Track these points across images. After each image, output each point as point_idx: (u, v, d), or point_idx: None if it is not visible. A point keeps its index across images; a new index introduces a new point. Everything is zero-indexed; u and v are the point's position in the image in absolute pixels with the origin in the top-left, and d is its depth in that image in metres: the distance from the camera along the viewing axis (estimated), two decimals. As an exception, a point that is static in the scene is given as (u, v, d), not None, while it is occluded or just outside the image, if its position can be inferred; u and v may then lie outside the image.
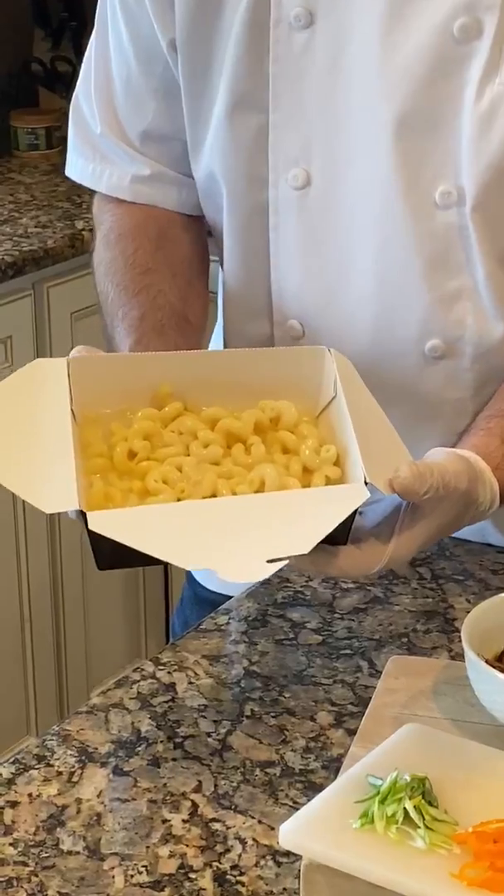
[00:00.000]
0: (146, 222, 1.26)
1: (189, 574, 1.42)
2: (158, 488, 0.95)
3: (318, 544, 0.89)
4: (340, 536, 0.93)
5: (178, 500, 0.94)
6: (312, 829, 0.85)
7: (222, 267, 1.28)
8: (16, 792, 0.94)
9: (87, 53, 1.28)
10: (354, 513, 0.92)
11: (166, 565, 0.93)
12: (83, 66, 1.28)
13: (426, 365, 1.16)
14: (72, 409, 0.97)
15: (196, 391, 1.01)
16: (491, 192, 1.10)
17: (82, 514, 0.90)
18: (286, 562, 0.88)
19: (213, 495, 0.95)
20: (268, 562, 0.88)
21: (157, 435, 0.99)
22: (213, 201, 1.22)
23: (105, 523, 0.89)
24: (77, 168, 1.30)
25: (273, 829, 0.89)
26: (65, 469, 0.91)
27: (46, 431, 0.94)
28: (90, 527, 0.88)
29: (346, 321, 1.18)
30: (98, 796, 0.94)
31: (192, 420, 1.00)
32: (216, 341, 1.33)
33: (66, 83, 2.63)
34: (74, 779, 0.95)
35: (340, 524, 0.91)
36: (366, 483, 0.93)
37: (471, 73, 1.08)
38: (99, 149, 1.27)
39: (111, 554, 0.91)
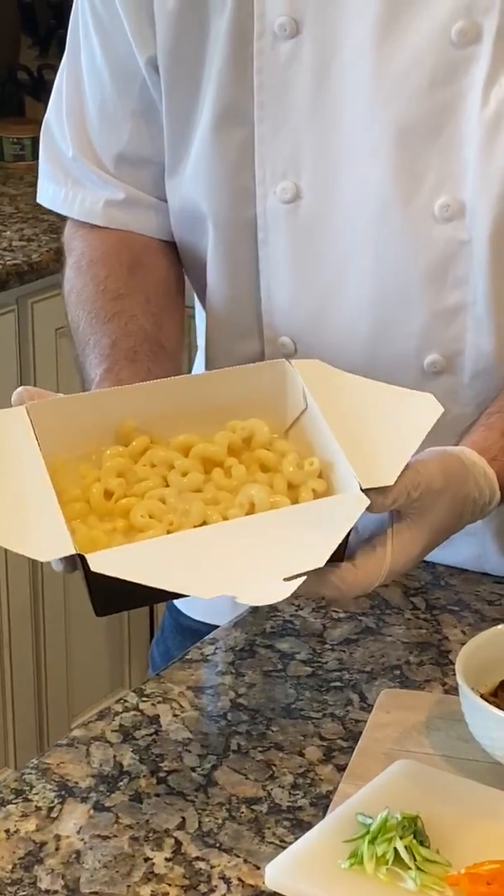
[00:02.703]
0: (119, 247, 1.23)
1: (170, 602, 1.40)
2: (146, 524, 0.93)
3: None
4: (338, 552, 0.91)
5: (169, 532, 0.92)
6: (300, 868, 0.83)
7: (198, 292, 1.26)
8: (-8, 827, 0.91)
9: (58, 74, 1.25)
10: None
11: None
12: (54, 87, 1.26)
13: (425, 380, 1.14)
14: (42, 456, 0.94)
15: (160, 422, 0.99)
16: (500, 202, 1.07)
17: (80, 558, 0.87)
18: (304, 578, 0.87)
19: (204, 523, 0.92)
20: (285, 580, 0.86)
21: (130, 471, 0.96)
22: (195, 221, 1.19)
23: (108, 563, 0.86)
24: (48, 194, 1.27)
25: (259, 868, 0.86)
26: (50, 516, 0.89)
27: (22, 481, 0.91)
28: (93, 568, 0.86)
29: (340, 336, 1.15)
30: (78, 833, 0.91)
31: (163, 450, 0.98)
32: (200, 362, 1.30)
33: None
34: (53, 814, 0.92)
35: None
36: (363, 490, 0.91)
37: (473, 77, 1.07)
38: (71, 173, 1.24)
39: (111, 596, 0.89)
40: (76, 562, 0.88)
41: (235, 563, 0.88)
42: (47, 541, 0.87)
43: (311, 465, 0.97)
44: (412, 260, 1.11)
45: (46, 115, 1.26)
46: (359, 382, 1.01)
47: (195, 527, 0.91)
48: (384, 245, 1.11)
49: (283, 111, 1.11)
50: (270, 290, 1.17)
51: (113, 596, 0.89)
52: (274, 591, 0.86)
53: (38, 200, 1.28)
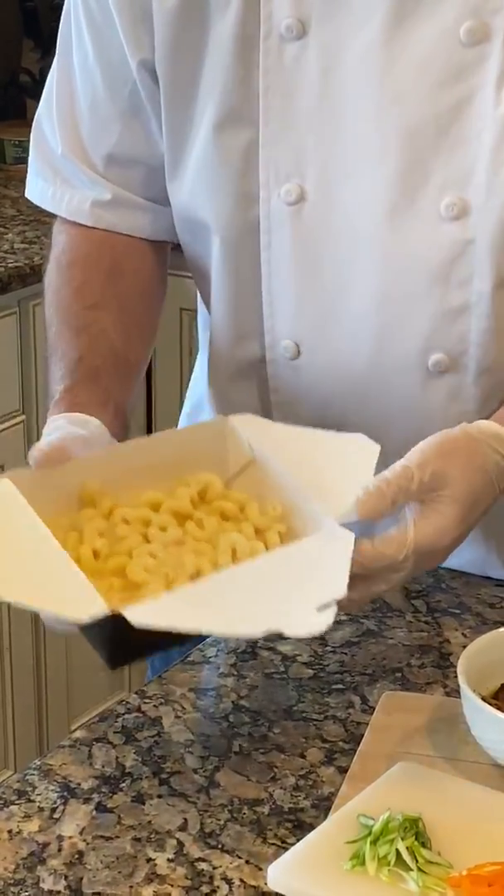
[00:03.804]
0: (101, 251, 1.23)
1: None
2: (145, 578, 0.94)
3: None
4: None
5: (168, 585, 0.93)
6: (301, 870, 0.83)
7: (202, 293, 1.26)
8: (-5, 828, 0.91)
9: (50, 72, 1.25)
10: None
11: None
12: (46, 85, 1.26)
13: (429, 380, 1.14)
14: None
15: (114, 484, 1.00)
16: None
17: (111, 616, 0.87)
18: (335, 607, 0.89)
19: (198, 572, 0.94)
20: (318, 610, 0.88)
21: (110, 531, 0.98)
22: (196, 224, 1.19)
23: (148, 616, 0.87)
24: (37, 190, 1.27)
25: (261, 869, 0.87)
26: (70, 576, 0.90)
27: (25, 543, 0.93)
28: (135, 623, 0.86)
29: (345, 338, 1.15)
30: (80, 833, 0.91)
31: (134, 509, 0.99)
32: (202, 363, 1.30)
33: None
34: (56, 815, 0.92)
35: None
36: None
37: (484, 76, 1.07)
38: (60, 172, 1.24)
39: (130, 648, 0.91)
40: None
41: (264, 601, 0.90)
42: (76, 600, 0.88)
43: (275, 510, 1.00)
44: (417, 260, 1.11)
45: (38, 112, 1.26)
46: (294, 432, 1.06)
47: (191, 577, 0.93)
48: (389, 246, 1.11)
49: (289, 113, 1.11)
50: (273, 293, 1.17)
51: (131, 646, 0.91)
52: (315, 622, 0.88)
53: (27, 195, 1.28)
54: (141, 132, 1.20)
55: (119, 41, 1.16)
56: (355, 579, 0.92)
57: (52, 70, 1.25)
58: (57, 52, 1.24)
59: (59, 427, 1.05)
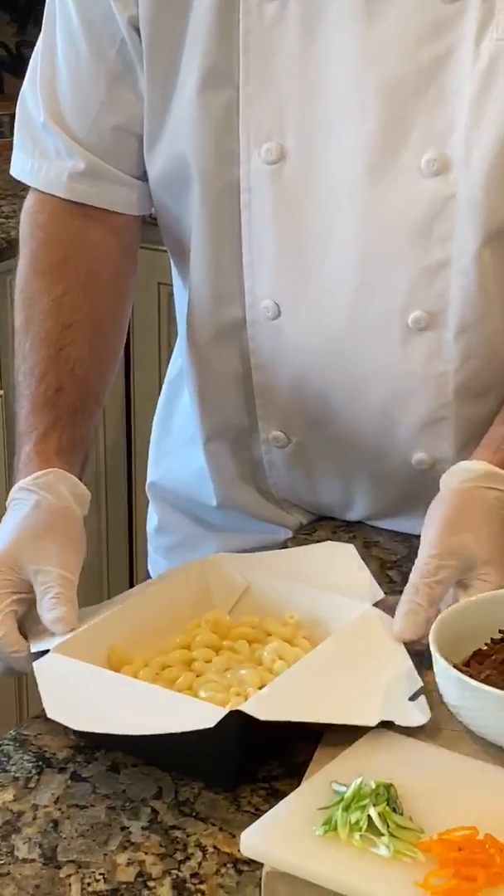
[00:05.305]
0: (77, 255, 1.21)
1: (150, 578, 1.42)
2: (224, 698, 0.95)
3: None
4: None
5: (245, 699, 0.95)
6: (274, 836, 0.83)
7: (178, 262, 1.26)
8: (-30, 797, 0.92)
9: (35, 47, 1.24)
10: None
11: None
12: (31, 60, 1.25)
13: (409, 338, 1.15)
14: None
15: (133, 643, 1.03)
16: (490, 155, 1.08)
17: (235, 715, 0.89)
18: (422, 693, 0.95)
19: (263, 684, 0.96)
20: (410, 699, 0.94)
21: (161, 677, 1.00)
22: (178, 186, 1.19)
23: (268, 710, 0.90)
24: (18, 164, 1.26)
25: (234, 836, 0.87)
26: (179, 699, 0.93)
27: (123, 688, 0.96)
28: (260, 717, 0.88)
29: (325, 296, 1.16)
30: (55, 802, 0.91)
31: (170, 654, 1.02)
32: (182, 335, 1.30)
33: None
34: (31, 784, 0.93)
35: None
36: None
37: (462, 32, 1.07)
38: (39, 142, 1.23)
39: (250, 752, 0.93)
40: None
41: (364, 695, 0.94)
42: (195, 714, 0.89)
43: (293, 619, 1.05)
44: (398, 216, 1.11)
45: (22, 87, 1.25)
46: (270, 555, 1.13)
47: (259, 689, 0.95)
48: (369, 203, 1.11)
49: (269, 72, 1.12)
50: (253, 254, 1.17)
51: (251, 751, 0.93)
52: (416, 712, 0.93)
53: (11, 172, 1.27)
54: (126, 96, 1.19)
55: (106, 1, 1.15)
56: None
57: (37, 44, 1.24)
58: (43, 26, 1.23)
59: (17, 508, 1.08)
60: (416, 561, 1.02)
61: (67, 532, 1.07)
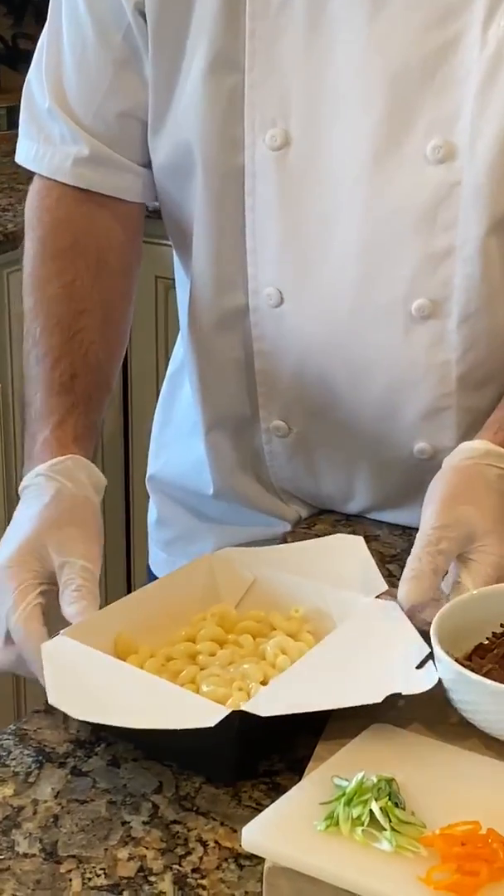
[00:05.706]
0: (85, 241, 1.21)
1: (150, 572, 1.41)
2: (226, 693, 0.95)
3: None
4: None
5: (247, 695, 0.95)
6: (276, 831, 0.83)
7: (181, 250, 1.25)
8: (-30, 792, 0.91)
9: (41, 35, 1.24)
10: None
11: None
12: (36, 49, 1.24)
13: (412, 326, 1.14)
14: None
15: (141, 633, 1.02)
16: (496, 142, 1.07)
17: (236, 714, 0.89)
18: (429, 661, 0.94)
19: (266, 678, 0.96)
20: (417, 668, 0.94)
21: (165, 669, 0.99)
22: (182, 172, 1.19)
23: (271, 706, 0.89)
24: (23, 151, 1.25)
25: (235, 831, 0.87)
26: (182, 694, 0.92)
27: (125, 679, 0.95)
28: (263, 714, 0.88)
29: (328, 283, 1.15)
30: (55, 797, 0.91)
31: (175, 646, 1.02)
32: (183, 323, 1.30)
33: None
34: (31, 779, 0.93)
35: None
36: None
37: (470, 18, 1.07)
38: (44, 128, 1.22)
39: (253, 750, 0.93)
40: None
41: (361, 672, 0.94)
42: (199, 711, 0.89)
43: (297, 613, 1.04)
44: (402, 203, 1.11)
45: (28, 74, 1.25)
46: (277, 549, 1.13)
47: (262, 683, 0.95)
48: (374, 190, 1.11)
49: (274, 57, 1.11)
50: (257, 240, 1.17)
51: (254, 749, 0.93)
52: (424, 677, 0.92)
53: (16, 159, 1.26)
54: (132, 82, 1.18)
55: None
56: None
57: (43, 31, 1.24)
58: (49, 13, 1.23)
59: (33, 494, 1.07)
60: (418, 534, 1.01)
61: (89, 522, 1.07)
